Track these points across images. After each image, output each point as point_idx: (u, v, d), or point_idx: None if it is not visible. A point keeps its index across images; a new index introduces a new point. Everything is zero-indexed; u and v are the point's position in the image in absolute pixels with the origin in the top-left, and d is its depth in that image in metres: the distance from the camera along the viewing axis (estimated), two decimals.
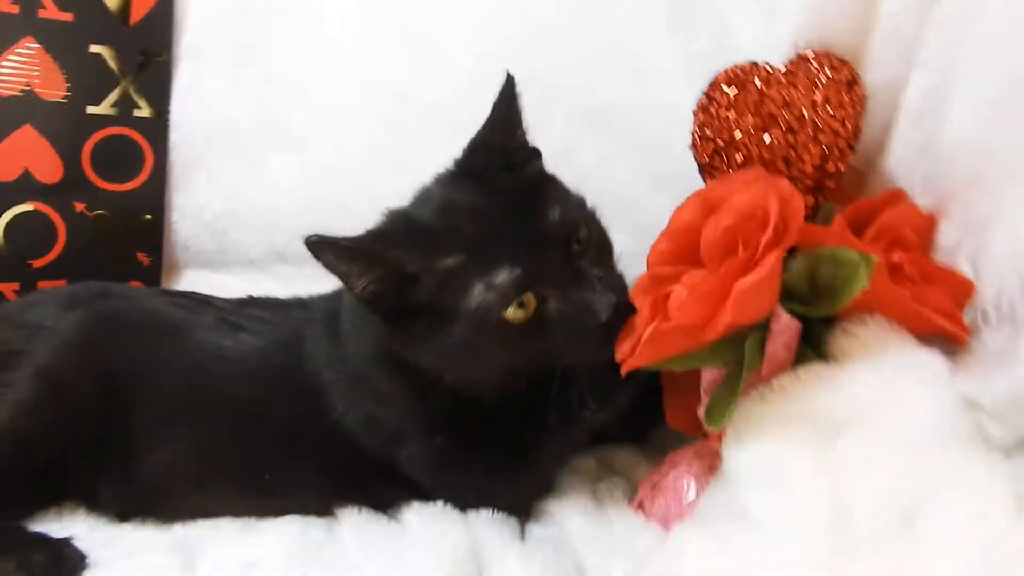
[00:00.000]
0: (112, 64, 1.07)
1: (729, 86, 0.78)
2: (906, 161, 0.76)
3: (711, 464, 0.68)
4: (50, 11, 1.02)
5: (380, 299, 0.69)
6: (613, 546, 0.71)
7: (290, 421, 0.83)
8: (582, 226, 0.72)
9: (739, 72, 0.78)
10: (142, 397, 0.84)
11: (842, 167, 0.75)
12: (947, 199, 0.72)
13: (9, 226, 1.04)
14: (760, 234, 0.61)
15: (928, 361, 0.61)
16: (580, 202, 0.77)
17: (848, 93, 0.75)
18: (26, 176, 1.04)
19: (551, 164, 0.81)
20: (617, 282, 0.75)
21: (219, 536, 0.79)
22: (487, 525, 0.73)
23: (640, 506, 0.77)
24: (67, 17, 1.03)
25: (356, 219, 1.07)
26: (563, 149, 1.00)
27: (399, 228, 0.72)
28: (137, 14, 1.07)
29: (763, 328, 0.63)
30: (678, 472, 0.73)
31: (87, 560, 0.73)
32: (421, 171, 1.08)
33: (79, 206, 1.08)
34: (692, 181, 0.84)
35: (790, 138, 0.74)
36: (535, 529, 0.76)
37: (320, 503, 0.82)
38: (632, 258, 0.79)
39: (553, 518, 0.76)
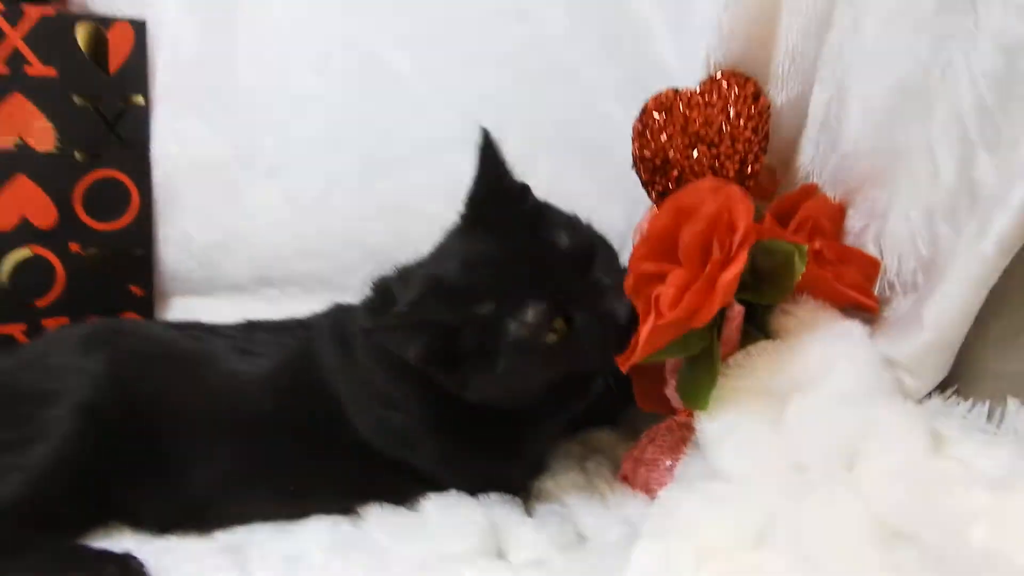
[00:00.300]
0: (95, 111, 1.14)
1: (659, 112, 0.90)
2: (817, 160, 0.90)
3: (682, 436, 0.81)
4: (36, 68, 1.08)
5: (432, 357, 0.80)
6: (607, 514, 0.84)
7: (308, 431, 0.92)
8: (588, 243, 0.83)
9: (664, 99, 0.91)
10: (171, 424, 0.92)
11: (757, 168, 0.88)
12: (853, 191, 0.87)
13: (12, 271, 1.11)
14: (731, 235, 0.73)
15: (852, 330, 0.75)
16: (577, 220, 0.87)
17: (755, 105, 0.88)
18: (24, 223, 1.11)
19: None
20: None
21: (257, 537, 0.88)
22: (499, 506, 0.85)
23: (625, 478, 0.90)
24: (51, 72, 1.09)
25: (331, 239, 1.19)
26: (521, 163, 1.12)
27: (433, 293, 0.82)
28: (115, 62, 1.14)
29: (718, 317, 0.76)
30: (655, 447, 0.85)
31: (146, 569, 0.82)
32: (385, 192, 1.19)
33: (74, 246, 1.16)
34: (637, 191, 0.96)
35: (713, 151, 0.87)
36: (539, 506, 0.88)
37: (342, 503, 0.92)
38: None
39: (552, 495, 0.89)
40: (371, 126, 1.19)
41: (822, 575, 0.53)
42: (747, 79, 0.89)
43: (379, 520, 0.88)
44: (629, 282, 0.77)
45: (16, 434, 0.89)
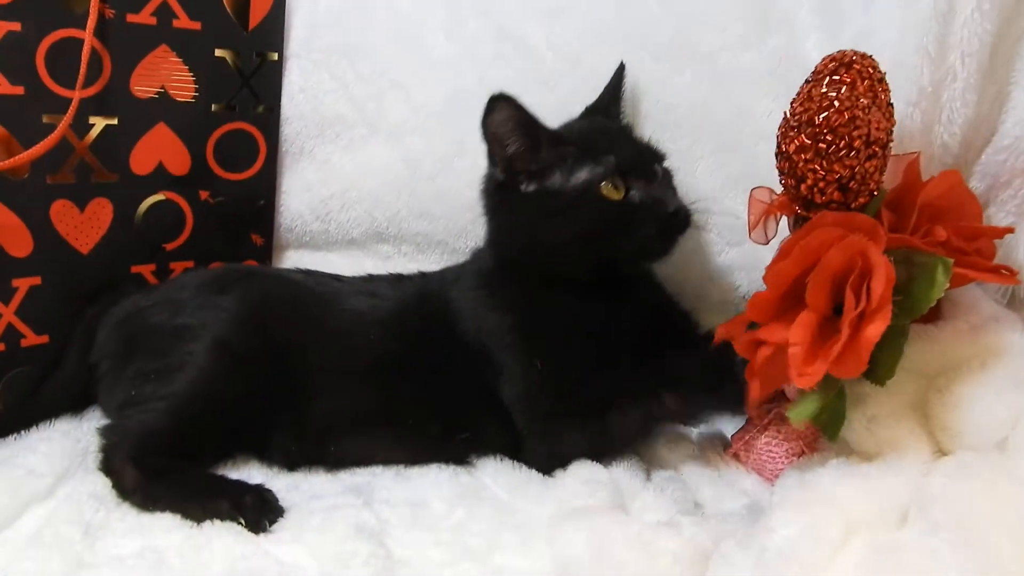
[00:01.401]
0: (233, 65, 1.18)
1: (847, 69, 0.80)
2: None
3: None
4: (182, 21, 1.12)
5: (514, 160, 0.96)
6: (721, 486, 0.86)
7: (428, 369, 0.97)
8: (665, 156, 1.00)
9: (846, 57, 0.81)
10: (302, 361, 0.97)
11: None
12: (1001, 186, 0.86)
13: (146, 214, 1.17)
14: (866, 283, 0.69)
15: (1003, 315, 0.75)
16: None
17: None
18: (160, 169, 1.16)
19: None
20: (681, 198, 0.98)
21: (381, 481, 0.92)
22: (622, 468, 0.88)
23: (735, 456, 0.91)
24: (196, 26, 1.13)
25: (448, 202, 1.21)
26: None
27: (544, 128, 0.96)
28: (255, 19, 1.18)
29: None
30: (769, 435, 0.87)
31: (279, 502, 0.86)
32: None
33: (203, 194, 1.20)
34: (760, 181, 0.95)
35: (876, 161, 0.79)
36: (655, 473, 0.91)
37: (456, 447, 0.96)
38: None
39: (668, 462, 0.91)
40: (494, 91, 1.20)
41: (993, 559, 0.54)
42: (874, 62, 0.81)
43: (493, 473, 0.92)
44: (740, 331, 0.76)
45: (158, 365, 0.95)
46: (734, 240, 1.11)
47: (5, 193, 1.04)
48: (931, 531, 0.56)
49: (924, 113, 0.88)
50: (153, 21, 1.11)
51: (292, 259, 1.29)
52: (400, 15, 1.21)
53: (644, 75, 1.13)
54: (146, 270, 1.18)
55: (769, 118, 1.06)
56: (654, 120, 1.13)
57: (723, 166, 1.11)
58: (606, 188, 0.93)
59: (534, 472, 0.92)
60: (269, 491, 0.87)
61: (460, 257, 1.21)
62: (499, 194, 1.00)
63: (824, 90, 0.78)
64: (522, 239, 0.99)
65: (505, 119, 0.93)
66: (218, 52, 1.16)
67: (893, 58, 0.85)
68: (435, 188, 1.21)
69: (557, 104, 1.09)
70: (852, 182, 0.79)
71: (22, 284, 1.07)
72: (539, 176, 0.96)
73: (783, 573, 0.60)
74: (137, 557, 0.75)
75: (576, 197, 0.93)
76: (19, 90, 1.03)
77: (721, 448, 0.93)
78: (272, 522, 0.82)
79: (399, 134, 1.22)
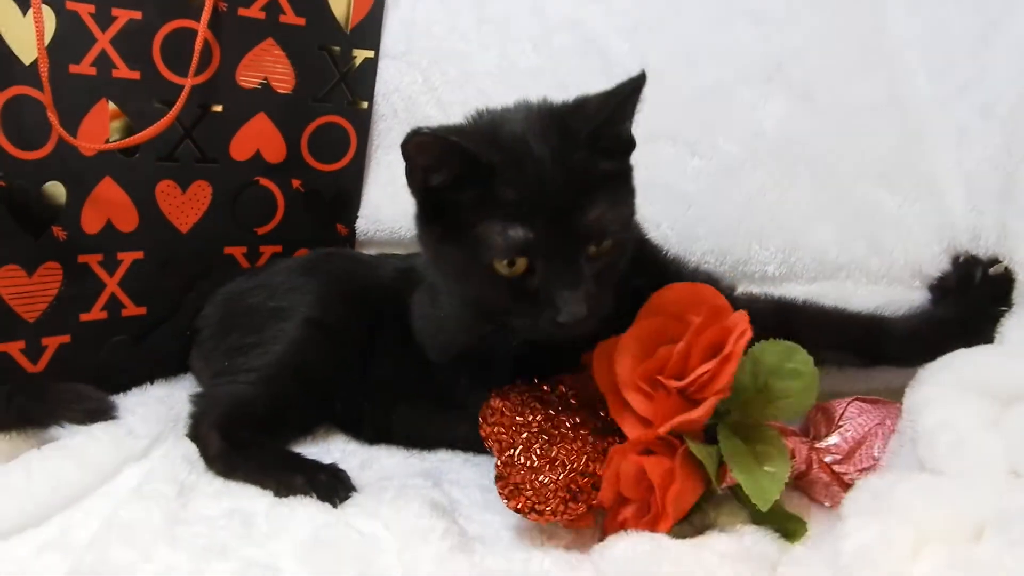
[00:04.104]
0: (332, 62, 1.24)
1: None
2: None
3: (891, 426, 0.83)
4: (289, 17, 1.18)
5: (435, 185, 0.80)
6: None
7: None
8: (607, 239, 0.78)
9: None
10: (371, 336, 1.03)
11: None
12: None
13: (241, 198, 1.23)
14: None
15: None
16: (627, 218, 0.82)
17: None
18: (257, 156, 1.22)
19: None
20: (605, 300, 0.79)
21: (450, 466, 0.96)
22: None
23: None
24: (301, 22, 1.19)
25: None
26: (734, 167, 1.11)
27: (480, 133, 0.81)
28: (355, 19, 1.23)
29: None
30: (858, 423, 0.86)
31: (352, 481, 0.90)
32: None
33: (295, 183, 1.26)
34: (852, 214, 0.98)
35: None
36: None
37: None
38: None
39: None
40: None
41: None
42: None
43: None
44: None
45: (252, 340, 1.02)
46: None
47: (117, 171, 1.11)
48: (1010, 547, 0.57)
49: None
50: (262, 15, 1.17)
51: (373, 250, 1.33)
52: (490, 23, 1.25)
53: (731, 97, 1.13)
54: (238, 252, 1.24)
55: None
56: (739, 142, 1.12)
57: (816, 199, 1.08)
58: (499, 262, 0.77)
59: None
60: (342, 471, 0.91)
61: None
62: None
63: None
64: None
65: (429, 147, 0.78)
66: (318, 49, 1.22)
67: None
68: None
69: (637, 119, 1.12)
70: None
71: (126, 257, 1.14)
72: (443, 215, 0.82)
73: (858, 575, 0.61)
74: (227, 518, 0.80)
75: (469, 251, 0.78)
76: (135, 75, 1.10)
77: None
78: (343, 499, 0.86)
79: None
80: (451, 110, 1.26)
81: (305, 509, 0.82)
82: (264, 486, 0.88)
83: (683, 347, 0.78)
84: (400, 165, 1.27)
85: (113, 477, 0.87)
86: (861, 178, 1.05)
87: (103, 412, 1.00)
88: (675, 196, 1.13)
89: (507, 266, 0.77)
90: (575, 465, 0.78)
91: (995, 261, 0.92)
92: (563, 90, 1.19)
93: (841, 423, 0.85)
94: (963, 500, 0.63)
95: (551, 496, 0.76)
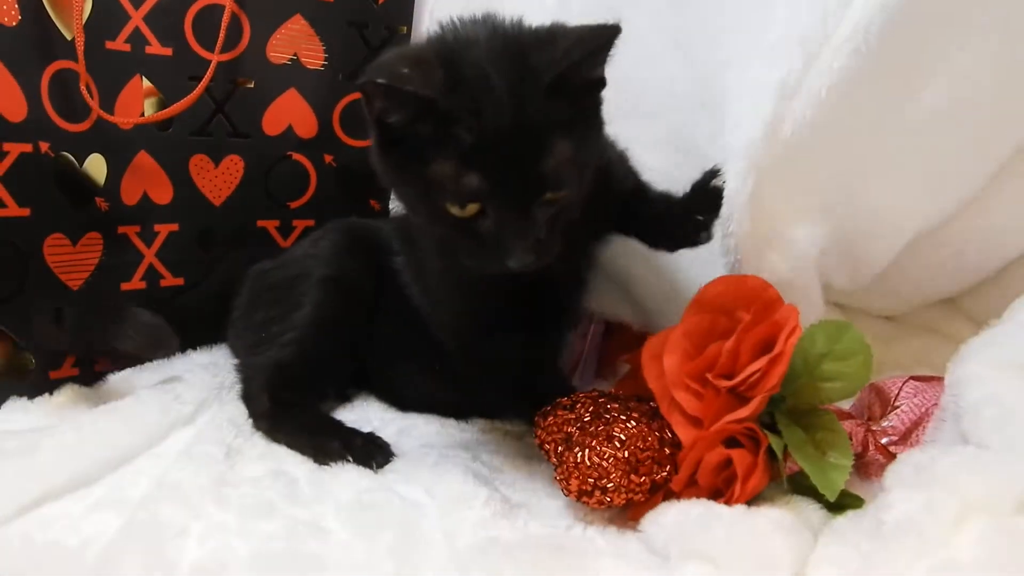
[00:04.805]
0: (361, 37, 1.24)
1: None
2: None
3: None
4: None
5: (393, 124, 0.75)
6: None
7: None
8: (564, 189, 0.75)
9: None
10: (380, 293, 1.06)
11: None
12: None
13: (273, 172, 1.24)
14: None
15: None
16: (589, 160, 0.78)
17: None
18: (289, 131, 1.23)
19: None
20: (556, 242, 0.78)
21: (489, 437, 0.98)
22: None
23: None
24: None
25: None
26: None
27: (440, 63, 0.74)
28: None
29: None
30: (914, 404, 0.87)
31: (388, 447, 0.91)
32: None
33: (328, 158, 1.27)
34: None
35: None
36: None
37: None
38: None
39: None
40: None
41: None
42: None
43: None
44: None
45: (280, 311, 1.04)
46: None
47: (152, 144, 1.12)
48: None
49: None
50: None
51: None
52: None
53: None
54: (271, 225, 1.26)
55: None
56: None
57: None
58: (451, 205, 0.75)
59: None
60: (380, 438, 0.92)
61: None
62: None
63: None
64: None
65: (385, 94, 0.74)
66: (348, 25, 1.22)
67: None
68: None
69: (657, 82, 1.08)
70: None
71: (163, 229, 1.15)
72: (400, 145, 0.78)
73: (901, 544, 0.61)
74: (272, 478, 0.82)
75: (422, 188, 0.77)
76: (168, 51, 1.11)
77: None
78: (381, 464, 0.87)
79: None
80: None
81: (347, 474, 0.84)
82: (303, 451, 0.89)
83: (732, 344, 0.77)
84: None
85: (162, 440, 0.89)
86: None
87: (163, 344, 1.01)
88: None
89: (459, 209, 0.75)
90: (634, 440, 0.77)
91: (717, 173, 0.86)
92: None
93: (897, 404, 0.86)
94: (1007, 472, 0.63)
95: (612, 469, 0.75)
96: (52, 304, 1.00)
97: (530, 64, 0.74)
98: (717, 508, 0.72)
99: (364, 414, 1.02)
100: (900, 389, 0.88)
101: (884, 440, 0.86)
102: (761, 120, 0.85)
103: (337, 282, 1.05)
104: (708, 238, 0.85)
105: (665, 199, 0.90)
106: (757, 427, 0.76)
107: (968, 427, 0.71)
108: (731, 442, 0.76)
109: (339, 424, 0.96)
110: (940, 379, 0.84)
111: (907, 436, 0.85)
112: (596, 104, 0.81)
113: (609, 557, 0.70)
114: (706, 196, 0.85)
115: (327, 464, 0.86)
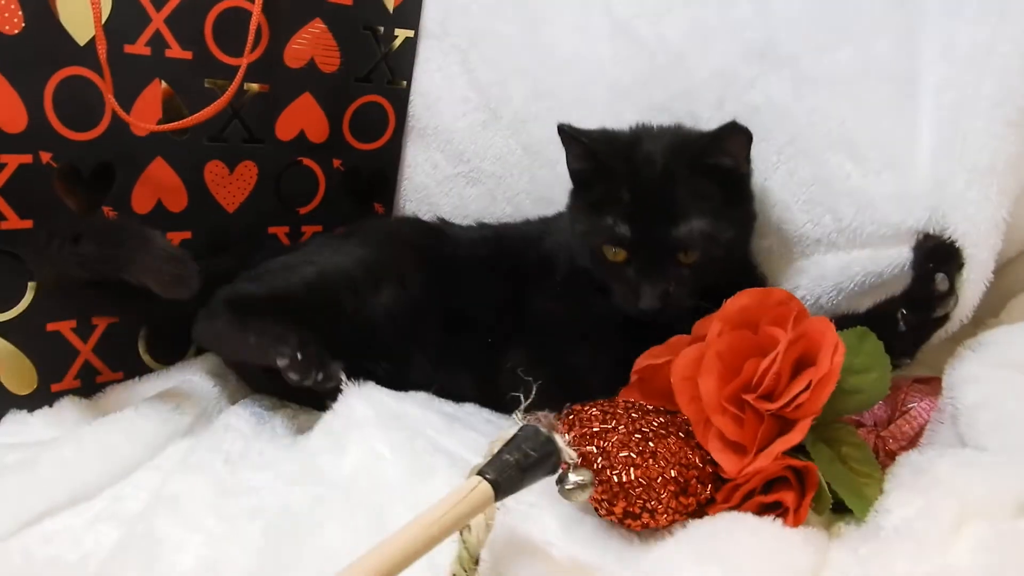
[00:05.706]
0: (375, 41, 1.24)
1: None
2: None
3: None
4: None
5: (577, 170, 1.01)
6: None
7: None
8: (694, 253, 0.91)
9: None
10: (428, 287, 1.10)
11: None
12: None
13: (284, 178, 1.23)
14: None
15: None
16: (722, 237, 0.92)
17: None
18: (301, 136, 1.23)
19: None
20: (683, 297, 0.92)
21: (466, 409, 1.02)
22: None
23: None
24: (348, 1, 1.19)
25: (567, 188, 1.26)
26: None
27: (619, 141, 0.99)
28: None
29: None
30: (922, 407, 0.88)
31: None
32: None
33: (336, 162, 1.27)
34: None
35: None
36: None
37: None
38: None
39: None
40: (615, 88, 1.21)
41: None
42: None
43: None
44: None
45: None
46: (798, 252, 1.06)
47: (168, 152, 1.11)
48: None
49: None
50: None
51: None
52: (528, 8, 1.25)
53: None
54: (281, 231, 1.26)
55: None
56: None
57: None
58: (607, 247, 0.94)
59: None
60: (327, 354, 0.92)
61: None
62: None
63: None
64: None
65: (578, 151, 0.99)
66: (362, 28, 1.22)
67: None
68: (555, 175, 1.26)
69: (665, 94, 1.14)
70: None
71: (175, 237, 1.15)
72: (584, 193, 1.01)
73: (899, 549, 0.61)
74: (271, 487, 0.83)
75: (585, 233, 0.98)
76: (188, 55, 1.09)
77: None
78: (320, 386, 0.89)
79: (521, 120, 1.26)
80: (489, 92, 1.27)
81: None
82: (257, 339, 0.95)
83: (774, 365, 0.75)
84: (437, 147, 1.31)
85: (161, 451, 0.90)
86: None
87: (184, 281, 0.94)
88: None
89: (611, 252, 0.94)
90: (678, 458, 0.73)
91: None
92: (599, 69, 1.23)
93: (905, 408, 0.87)
94: (1005, 476, 0.64)
95: (661, 490, 0.71)
96: (70, 230, 0.97)
97: (686, 150, 0.94)
98: (743, 517, 0.72)
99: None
100: (905, 394, 0.89)
101: (893, 445, 0.87)
102: None
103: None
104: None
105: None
106: (800, 461, 0.74)
107: (966, 429, 0.73)
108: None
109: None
110: (939, 380, 0.86)
111: (915, 440, 0.86)
112: (740, 191, 0.97)
113: None
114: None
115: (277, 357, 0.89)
